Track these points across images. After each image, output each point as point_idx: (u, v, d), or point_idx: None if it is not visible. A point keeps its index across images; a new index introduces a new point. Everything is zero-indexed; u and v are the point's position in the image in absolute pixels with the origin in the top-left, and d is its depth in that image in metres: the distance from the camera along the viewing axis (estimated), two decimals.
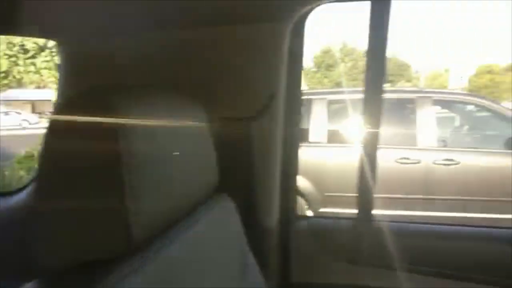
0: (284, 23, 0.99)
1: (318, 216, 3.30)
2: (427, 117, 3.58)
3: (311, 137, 3.72)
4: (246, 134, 0.99)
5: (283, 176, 1.09)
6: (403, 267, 1.05)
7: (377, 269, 1.09)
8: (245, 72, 1.01)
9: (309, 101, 3.81)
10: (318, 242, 1.16)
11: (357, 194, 1.17)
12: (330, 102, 3.84)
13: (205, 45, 1.03)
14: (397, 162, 3.52)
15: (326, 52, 25.30)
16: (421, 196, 3.52)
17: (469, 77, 33.78)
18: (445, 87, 12.07)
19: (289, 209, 1.16)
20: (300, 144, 1.18)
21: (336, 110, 3.99)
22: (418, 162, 3.51)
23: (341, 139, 3.69)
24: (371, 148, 1.13)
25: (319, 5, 1.01)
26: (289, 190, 1.15)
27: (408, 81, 29.95)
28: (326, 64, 25.83)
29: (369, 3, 1.04)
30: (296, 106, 1.12)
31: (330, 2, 1.01)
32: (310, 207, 3.67)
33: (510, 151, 3.49)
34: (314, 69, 26.31)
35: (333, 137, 3.71)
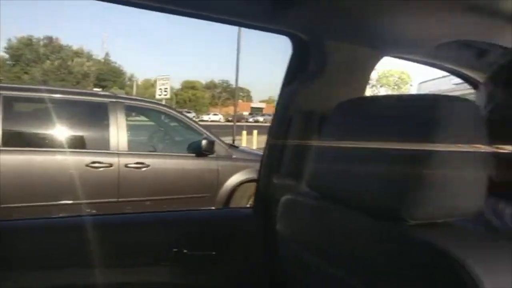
0: None
1: None
2: (120, 122, 3.68)
3: None
4: None
5: None
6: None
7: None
8: None
9: None
10: None
11: None
12: (9, 99, 3.31)
13: None
14: (89, 166, 3.44)
15: (27, 45, 21.98)
16: (114, 200, 3.57)
17: (175, 91, 38.16)
18: (154, 97, 13.08)
19: None
20: None
21: (18, 109, 3.50)
22: (110, 166, 3.54)
23: (22, 143, 3.27)
24: None
25: None
26: None
27: (121, 88, 30.49)
28: (26, 58, 22.54)
29: None
30: None
31: None
32: None
33: (190, 154, 4.08)
34: (11, 62, 22.45)
35: (11, 140, 3.23)
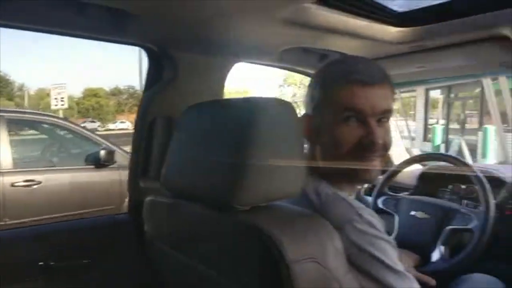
0: None
1: None
2: (1, 137, 3.37)
3: None
4: None
5: None
6: None
7: None
8: None
9: None
10: None
11: None
12: None
13: None
14: None
15: None
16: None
17: (77, 100, 35.42)
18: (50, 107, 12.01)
19: None
20: None
21: None
22: None
23: None
24: None
25: None
26: None
27: (10, 99, 27.35)
28: None
29: None
30: None
31: None
32: None
33: (89, 166, 3.89)
34: None
35: None
